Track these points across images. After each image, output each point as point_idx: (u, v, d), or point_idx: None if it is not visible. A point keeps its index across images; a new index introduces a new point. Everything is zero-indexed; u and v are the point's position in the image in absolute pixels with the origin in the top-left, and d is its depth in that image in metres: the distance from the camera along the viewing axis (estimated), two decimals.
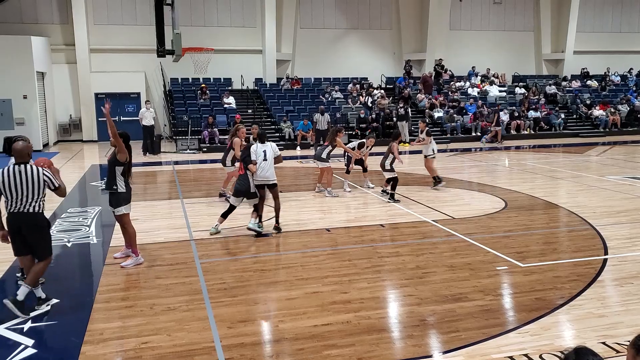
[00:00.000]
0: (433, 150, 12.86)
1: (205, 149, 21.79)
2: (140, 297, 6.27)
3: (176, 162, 18.81)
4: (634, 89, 30.80)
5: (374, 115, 24.41)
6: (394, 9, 30.01)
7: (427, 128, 13.24)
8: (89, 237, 9.14)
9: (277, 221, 9.16)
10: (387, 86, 28.71)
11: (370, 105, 25.59)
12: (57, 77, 25.74)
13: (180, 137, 22.63)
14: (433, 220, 9.71)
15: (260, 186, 9.01)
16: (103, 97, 25.86)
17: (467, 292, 6.23)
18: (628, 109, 27.88)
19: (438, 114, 25.73)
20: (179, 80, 26.72)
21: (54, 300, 6.16)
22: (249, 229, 8.84)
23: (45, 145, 23.64)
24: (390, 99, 26.59)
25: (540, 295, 6.12)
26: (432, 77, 28.02)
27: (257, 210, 8.97)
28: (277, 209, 9.15)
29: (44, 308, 6.00)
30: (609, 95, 29.64)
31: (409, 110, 24.42)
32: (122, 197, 7.54)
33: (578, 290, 6.23)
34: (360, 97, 26.26)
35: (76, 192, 13.72)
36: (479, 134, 24.60)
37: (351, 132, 23.29)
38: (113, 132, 7.40)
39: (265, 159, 8.94)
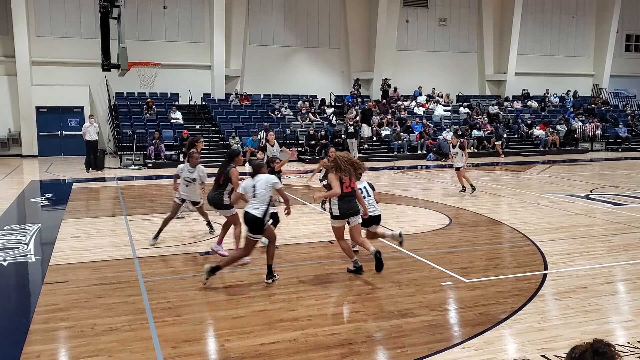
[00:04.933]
0: (463, 162, 14.13)
1: (150, 165, 21.40)
2: (81, 317, 6.05)
3: (120, 178, 18.39)
4: (572, 110, 32.17)
5: (323, 132, 24.58)
6: (342, 28, 30.46)
7: (459, 142, 14.32)
8: (27, 255, 8.78)
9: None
10: (336, 104, 29.01)
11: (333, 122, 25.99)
12: None
13: (125, 153, 22.17)
14: (380, 238, 9.78)
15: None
16: (45, 110, 25.14)
17: (413, 308, 6.29)
18: (566, 129, 29.06)
19: (385, 132, 26.14)
20: (125, 95, 26.26)
21: None
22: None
23: None
24: (333, 117, 26.90)
25: (484, 310, 6.24)
26: (375, 105, 28.13)
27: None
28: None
29: None
30: (548, 115, 30.84)
31: (358, 128, 24.73)
32: None
33: (519, 304, 6.39)
34: (310, 114, 26.43)
35: (14, 208, 13.21)
36: (424, 151, 25.12)
37: (300, 149, 23.39)
38: None
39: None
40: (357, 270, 7.60)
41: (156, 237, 9.29)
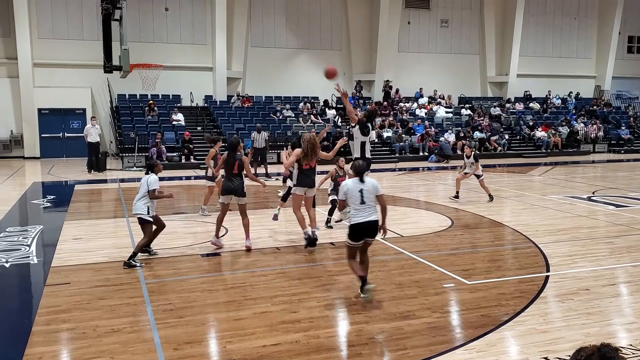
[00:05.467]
0: (481, 170, 13.91)
1: None
2: (83, 319, 6.05)
3: (122, 180, 18.40)
4: (574, 111, 32.14)
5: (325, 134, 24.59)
6: (344, 30, 30.47)
7: (473, 152, 14.00)
8: (29, 257, 8.79)
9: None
10: (338, 106, 28.99)
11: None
12: None
13: (127, 154, 22.19)
14: (382, 239, 9.78)
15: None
16: (47, 112, 25.18)
17: (414, 310, 6.28)
18: (568, 130, 29.03)
19: (387, 133, 26.13)
20: (127, 97, 26.28)
21: None
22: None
23: None
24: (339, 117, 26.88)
25: (486, 312, 6.23)
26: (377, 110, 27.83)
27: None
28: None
29: None
30: (550, 117, 30.82)
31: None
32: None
33: (522, 306, 6.38)
34: (312, 116, 26.43)
35: (16, 210, 13.22)
36: (426, 153, 25.11)
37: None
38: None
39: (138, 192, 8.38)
40: (309, 243, 8.89)
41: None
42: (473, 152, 14.07)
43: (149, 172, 8.41)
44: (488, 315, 6.10)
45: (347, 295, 6.86)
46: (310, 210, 9.29)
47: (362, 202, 6.46)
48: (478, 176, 13.94)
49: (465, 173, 14.10)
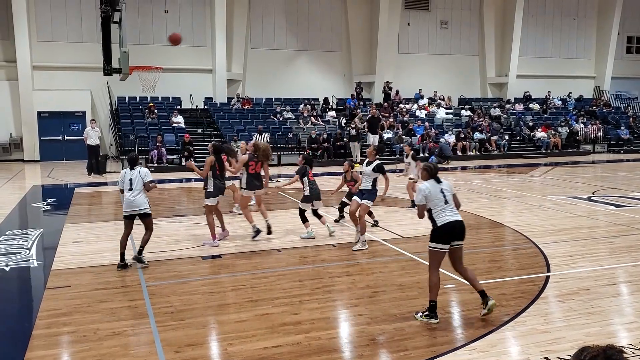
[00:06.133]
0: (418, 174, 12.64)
1: (152, 169, 21.37)
2: (84, 322, 6.05)
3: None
4: (574, 112, 32.15)
5: (325, 136, 24.60)
6: (343, 31, 30.49)
7: (412, 152, 13.40)
8: (29, 260, 8.78)
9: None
10: (338, 107, 29.02)
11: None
12: None
13: (127, 157, 22.17)
14: (383, 240, 9.79)
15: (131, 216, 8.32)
16: (46, 115, 25.19)
17: (416, 311, 6.27)
18: (568, 131, 29.04)
19: (387, 134, 26.13)
20: (126, 99, 26.28)
21: None
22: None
23: None
24: (343, 119, 26.88)
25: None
26: (379, 114, 27.45)
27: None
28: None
29: None
30: (550, 117, 30.83)
31: (360, 131, 24.72)
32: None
33: (522, 306, 6.38)
34: (312, 117, 26.43)
35: (16, 213, 13.22)
36: (426, 154, 25.10)
37: (302, 152, 23.39)
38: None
39: (130, 188, 8.21)
40: (257, 234, 9.75)
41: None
42: (412, 152, 13.35)
43: (134, 166, 8.39)
44: (489, 316, 6.10)
45: (348, 297, 6.86)
46: (261, 206, 10.17)
47: (446, 202, 6.09)
48: (411, 178, 12.97)
49: (411, 179, 13.05)
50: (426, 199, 6.06)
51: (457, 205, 6.26)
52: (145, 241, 8.23)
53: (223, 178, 9.82)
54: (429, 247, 6.10)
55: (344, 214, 11.21)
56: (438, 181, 6.18)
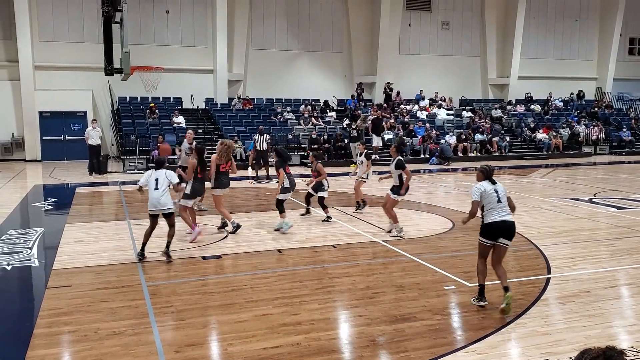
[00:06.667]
0: (367, 174, 12.53)
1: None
2: (85, 322, 6.06)
3: (123, 183, 18.42)
4: (575, 113, 32.12)
5: (325, 137, 24.59)
6: (345, 32, 30.49)
7: (365, 151, 12.84)
8: (30, 259, 8.80)
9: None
10: (339, 108, 29.01)
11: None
12: None
13: (128, 157, 22.21)
14: (383, 241, 9.80)
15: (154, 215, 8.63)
16: (48, 115, 25.21)
17: (416, 312, 6.28)
18: (569, 132, 29.01)
19: (388, 135, 26.12)
20: (128, 99, 26.30)
21: None
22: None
23: None
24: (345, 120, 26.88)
25: (487, 314, 6.23)
26: (382, 116, 27.30)
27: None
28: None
29: None
30: (552, 119, 30.80)
31: (361, 132, 24.69)
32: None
33: (523, 308, 6.38)
34: (313, 118, 26.43)
35: (17, 213, 13.23)
36: (427, 155, 25.11)
37: (302, 153, 23.41)
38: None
39: (156, 187, 8.49)
40: (236, 229, 10.22)
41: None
42: (365, 151, 12.83)
43: (160, 167, 8.83)
44: (489, 318, 6.11)
45: (348, 298, 6.87)
46: (225, 212, 10.53)
47: (499, 201, 6.42)
48: (359, 178, 12.54)
49: (361, 179, 12.57)
50: (481, 196, 6.47)
51: (512, 207, 6.57)
52: (171, 236, 8.63)
53: (203, 181, 10.24)
54: (478, 239, 6.61)
55: (310, 207, 12.15)
56: (493, 182, 6.57)
